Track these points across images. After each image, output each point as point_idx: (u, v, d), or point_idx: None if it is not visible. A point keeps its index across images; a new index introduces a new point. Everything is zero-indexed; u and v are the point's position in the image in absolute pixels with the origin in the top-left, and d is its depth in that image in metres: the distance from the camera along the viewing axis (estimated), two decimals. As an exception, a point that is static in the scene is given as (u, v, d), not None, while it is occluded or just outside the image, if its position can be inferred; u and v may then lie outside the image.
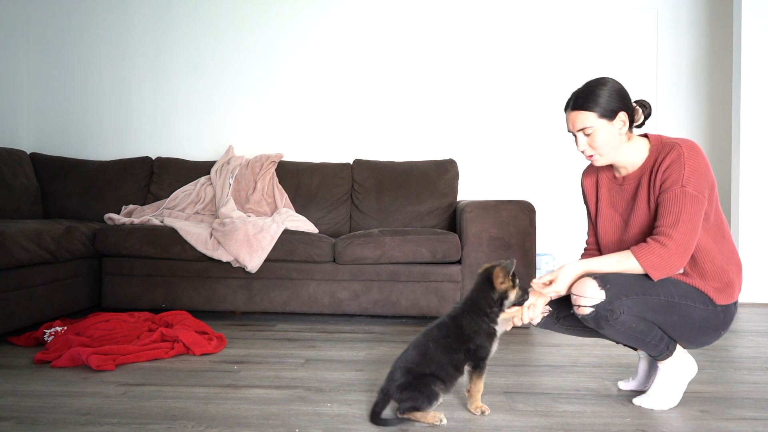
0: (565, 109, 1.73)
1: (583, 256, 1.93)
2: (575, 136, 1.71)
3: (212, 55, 4.16)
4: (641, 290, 1.58)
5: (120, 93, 4.17)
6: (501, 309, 1.65)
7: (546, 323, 1.82)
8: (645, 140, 1.73)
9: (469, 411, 1.67)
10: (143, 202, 3.70)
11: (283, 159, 3.87)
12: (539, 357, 2.36)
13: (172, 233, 3.03)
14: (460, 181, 3.85)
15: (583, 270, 1.64)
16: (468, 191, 4.08)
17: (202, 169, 3.80)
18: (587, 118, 1.66)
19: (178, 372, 2.09)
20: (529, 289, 1.69)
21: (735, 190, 3.80)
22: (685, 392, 1.78)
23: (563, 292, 1.66)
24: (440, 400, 1.60)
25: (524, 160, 4.15)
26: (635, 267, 1.59)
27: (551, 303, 1.75)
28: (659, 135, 1.71)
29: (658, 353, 1.68)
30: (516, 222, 2.89)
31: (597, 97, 1.65)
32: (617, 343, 1.78)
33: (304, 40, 4.15)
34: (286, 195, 3.65)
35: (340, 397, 1.82)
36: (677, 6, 4.14)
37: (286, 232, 3.07)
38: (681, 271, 1.65)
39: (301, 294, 3.01)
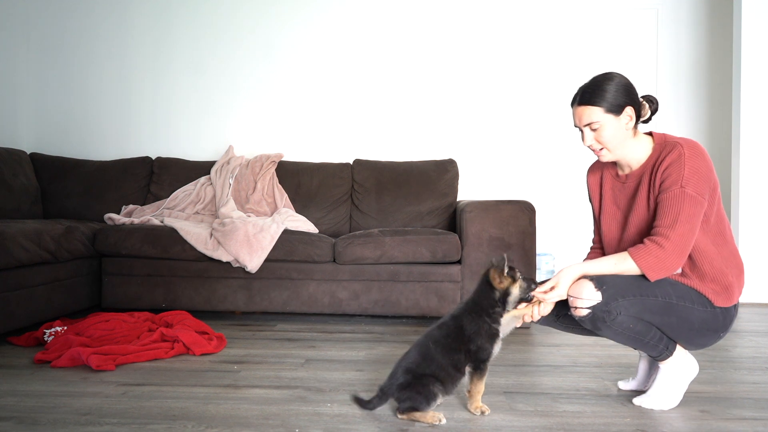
0: (572, 104, 1.72)
1: (589, 254, 1.93)
2: (582, 131, 1.70)
3: (212, 55, 4.16)
4: (638, 291, 1.58)
5: (120, 93, 4.17)
6: (504, 308, 1.64)
7: (546, 320, 1.82)
8: (649, 138, 1.72)
9: (469, 411, 1.67)
10: (143, 202, 3.70)
11: (283, 159, 3.87)
12: (539, 357, 2.36)
13: (172, 233, 3.03)
14: (460, 181, 3.85)
15: (582, 272, 1.64)
16: (468, 191, 4.08)
17: (202, 169, 3.80)
18: (594, 113, 1.65)
19: (178, 372, 2.09)
20: (532, 294, 1.67)
21: (735, 190, 3.80)
22: (685, 392, 1.78)
23: (566, 296, 1.66)
24: (439, 400, 1.60)
25: (524, 160, 4.15)
26: (633, 268, 1.59)
27: None
28: (664, 134, 1.70)
29: (658, 353, 1.68)
30: (516, 222, 2.89)
31: (604, 92, 1.64)
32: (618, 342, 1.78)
33: (304, 40, 4.15)
34: (286, 195, 3.65)
35: (340, 397, 1.82)
36: (677, 6, 4.14)
37: (286, 232, 3.07)
38: (679, 271, 1.65)
39: (301, 294, 3.01)
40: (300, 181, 3.71)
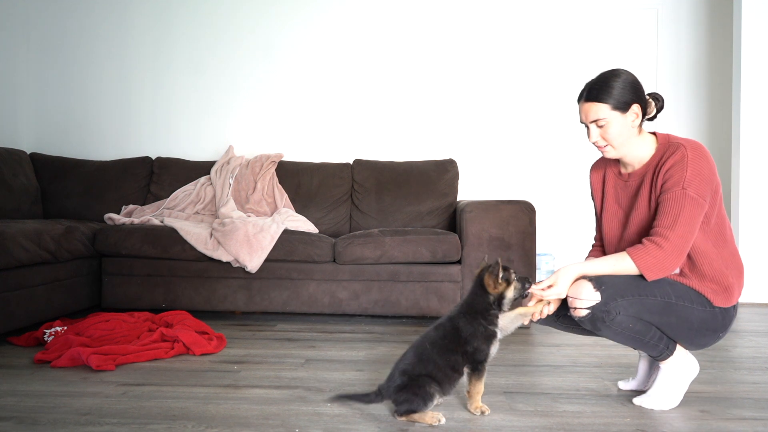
0: (578, 100, 1.72)
1: (591, 252, 1.93)
2: (588, 127, 1.70)
3: (212, 55, 4.16)
4: (637, 291, 1.58)
5: (120, 93, 4.17)
6: (500, 309, 1.64)
7: (546, 320, 1.82)
8: (653, 137, 1.72)
9: (469, 411, 1.67)
10: (143, 202, 3.70)
11: (283, 159, 3.87)
12: (539, 357, 2.36)
13: (172, 233, 3.03)
14: (460, 181, 3.85)
15: (581, 272, 1.64)
16: (468, 191, 4.08)
17: (202, 169, 3.80)
18: (600, 110, 1.65)
19: (178, 372, 2.09)
20: (530, 292, 1.68)
21: (735, 190, 3.80)
22: (685, 392, 1.78)
23: (564, 295, 1.66)
24: (436, 401, 1.59)
25: (524, 160, 4.15)
26: (631, 268, 1.59)
27: None
28: (668, 134, 1.70)
29: (658, 353, 1.68)
30: (516, 222, 2.89)
31: (611, 88, 1.64)
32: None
33: (304, 40, 4.15)
34: (286, 195, 3.65)
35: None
36: (677, 6, 4.14)
37: (286, 232, 3.07)
38: (677, 271, 1.65)
39: (301, 294, 3.01)
40: (300, 181, 3.72)
